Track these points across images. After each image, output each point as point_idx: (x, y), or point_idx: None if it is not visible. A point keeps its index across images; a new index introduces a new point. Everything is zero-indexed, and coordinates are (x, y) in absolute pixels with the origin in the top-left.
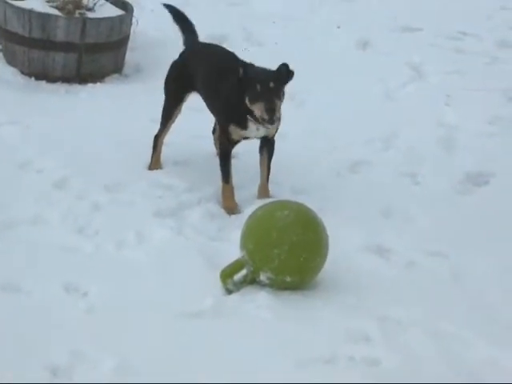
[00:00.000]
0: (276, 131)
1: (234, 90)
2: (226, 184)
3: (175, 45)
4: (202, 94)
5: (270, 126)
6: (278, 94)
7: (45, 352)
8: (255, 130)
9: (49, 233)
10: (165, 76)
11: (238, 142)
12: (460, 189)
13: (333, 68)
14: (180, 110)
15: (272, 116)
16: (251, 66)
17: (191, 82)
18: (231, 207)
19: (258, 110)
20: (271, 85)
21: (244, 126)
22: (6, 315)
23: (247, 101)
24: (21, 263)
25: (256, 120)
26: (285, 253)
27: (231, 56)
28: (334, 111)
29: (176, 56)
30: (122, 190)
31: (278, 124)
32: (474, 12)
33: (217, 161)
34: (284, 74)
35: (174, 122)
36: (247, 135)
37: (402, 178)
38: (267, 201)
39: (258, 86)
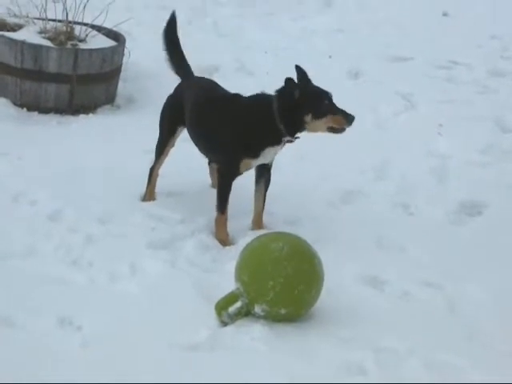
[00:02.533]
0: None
1: (245, 120)
2: (222, 215)
3: (167, 76)
4: (192, 133)
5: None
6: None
7: None
8: (265, 157)
9: (42, 265)
10: (159, 108)
11: (241, 173)
12: (453, 219)
13: None
14: (173, 144)
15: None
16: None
17: (183, 116)
18: (224, 239)
19: (335, 121)
20: (330, 95)
21: (256, 155)
22: None
23: (314, 116)
24: (14, 296)
25: (331, 130)
26: (280, 285)
27: (222, 91)
28: (325, 140)
29: (168, 87)
30: (115, 221)
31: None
32: (465, 41)
33: (210, 192)
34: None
35: (166, 155)
36: (257, 163)
37: (395, 209)
38: (261, 232)
39: (327, 101)
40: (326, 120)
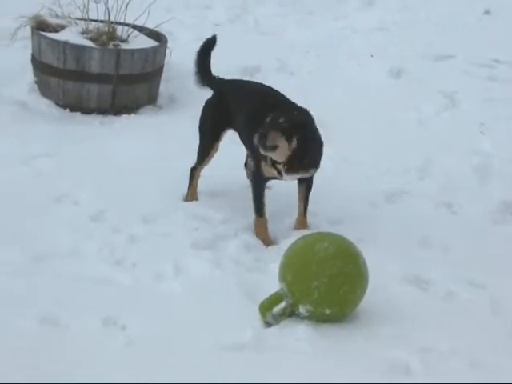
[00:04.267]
0: (310, 174)
1: None
2: (260, 217)
3: None
4: (239, 131)
5: (262, 151)
6: (278, 128)
7: None
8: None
9: (86, 266)
10: (201, 108)
11: (269, 179)
12: (497, 218)
13: (366, 96)
14: (217, 148)
15: (262, 142)
16: (286, 106)
17: (228, 119)
18: (265, 239)
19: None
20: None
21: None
22: (44, 348)
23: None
24: (58, 296)
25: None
26: (324, 285)
27: (269, 90)
28: (368, 140)
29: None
30: (158, 221)
31: (312, 169)
32: (507, 39)
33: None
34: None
35: (210, 159)
36: (277, 176)
37: (438, 208)
38: (304, 232)
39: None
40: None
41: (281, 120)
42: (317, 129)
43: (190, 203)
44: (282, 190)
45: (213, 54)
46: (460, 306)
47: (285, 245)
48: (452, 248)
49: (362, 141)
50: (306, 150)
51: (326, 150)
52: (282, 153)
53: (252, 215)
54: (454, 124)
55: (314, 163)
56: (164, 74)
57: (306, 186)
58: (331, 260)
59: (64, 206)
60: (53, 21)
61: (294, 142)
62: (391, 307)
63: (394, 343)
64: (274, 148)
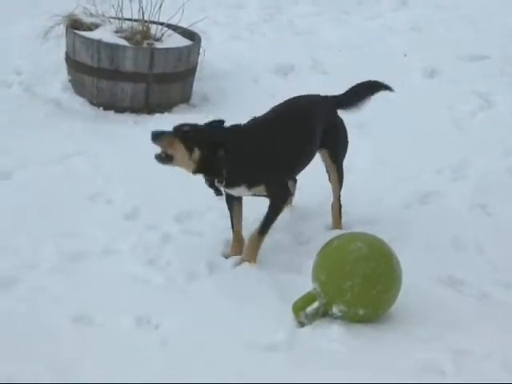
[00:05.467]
0: (267, 191)
1: None
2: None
3: (242, 75)
4: None
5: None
6: (178, 134)
7: None
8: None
9: (119, 264)
10: (234, 107)
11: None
12: None
13: (400, 96)
14: None
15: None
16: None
17: None
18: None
19: None
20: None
21: None
22: (77, 347)
23: None
24: (92, 295)
25: None
26: (358, 285)
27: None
28: (402, 140)
29: (242, 87)
30: (191, 220)
31: (261, 184)
32: None
33: None
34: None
35: None
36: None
37: (472, 209)
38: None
39: None
40: None
41: (185, 128)
42: (258, 145)
43: (222, 202)
44: (313, 190)
45: (247, 52)
46: (494, 308)
47: (318, 245)
48: (486, 249)
49: (396, 140)
50: (230, 163)
51: (360, 149)
52: (181, 161)
53: (284, 214)
54: (488, 125)
55: (251, 179)
56: (197, 74)
57: (268, 210)
58: (365, 260)
59: (98, 204)
60: (87, 19)
61: (196, 154)
62: (425, 308)
63: (428, 344)
64: (168, 156)
